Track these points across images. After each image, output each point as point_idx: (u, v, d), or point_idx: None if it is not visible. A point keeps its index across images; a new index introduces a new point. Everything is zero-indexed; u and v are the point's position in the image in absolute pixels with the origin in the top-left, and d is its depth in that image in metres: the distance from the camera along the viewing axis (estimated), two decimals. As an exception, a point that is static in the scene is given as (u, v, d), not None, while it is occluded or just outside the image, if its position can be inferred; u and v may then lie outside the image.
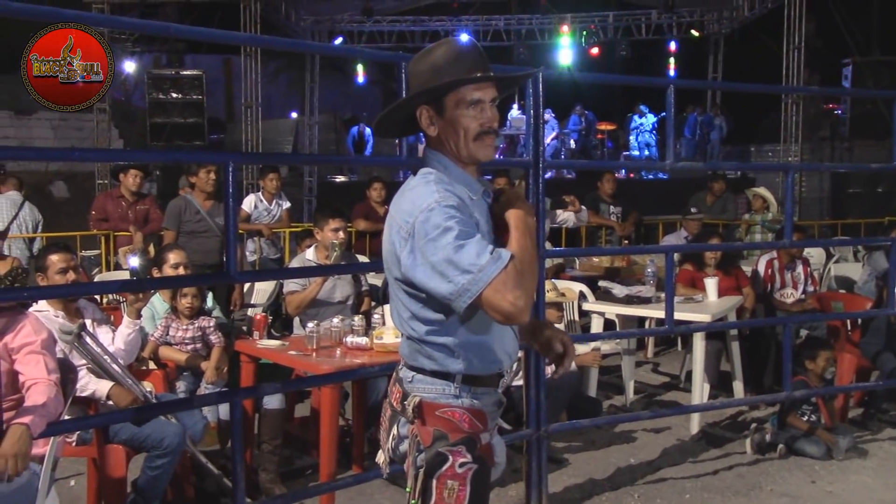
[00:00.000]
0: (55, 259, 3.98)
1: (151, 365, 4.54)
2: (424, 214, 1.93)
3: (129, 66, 17.81)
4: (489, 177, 13.93)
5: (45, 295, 3.77)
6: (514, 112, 16.47)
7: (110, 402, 3.81)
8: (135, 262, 4.46)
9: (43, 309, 3.89)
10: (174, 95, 13.00)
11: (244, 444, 4.27)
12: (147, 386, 4.01)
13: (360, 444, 4.65)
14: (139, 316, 4.13)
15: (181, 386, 4.52)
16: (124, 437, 3.79)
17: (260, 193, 7.80)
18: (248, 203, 7.61)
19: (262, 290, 6.61)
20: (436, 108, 2.09)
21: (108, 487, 3.81)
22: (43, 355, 3.13)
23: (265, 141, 14.81)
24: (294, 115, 21.65)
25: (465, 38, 2.16)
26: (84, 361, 3.75)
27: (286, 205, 7.89)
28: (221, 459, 4.46)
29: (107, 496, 3.83)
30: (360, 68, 18.15)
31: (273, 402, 4.36)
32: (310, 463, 4.75)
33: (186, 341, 4.64)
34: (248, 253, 7.71)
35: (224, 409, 4.49)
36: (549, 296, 5.01)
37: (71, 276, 4.00)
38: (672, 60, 17.33)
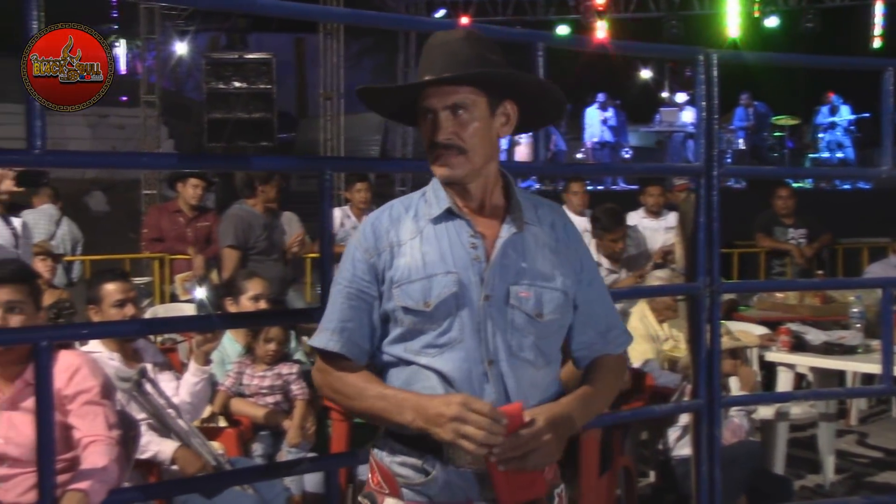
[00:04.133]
0: (111, 289, 4.15)
1: (222, 421, 4.66)
2: None
3: (181, 49, 18.38)
4: (634, 187, 13.82)
5: (104, 333, 3.93)
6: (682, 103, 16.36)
7: (175, 468, 3.93)
8: (201, 293, 4.61)
9: (95, 350, 4.05)
10: (237, 85, 13.40)
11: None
12: (217, 448, 4.13)
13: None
14: (208, 361, 4.26)
15: (258, 449, 4.61)
16: (192, 511, 3.91)
17: (347, 208, 7.95)
18: (335, 220, 7.76)
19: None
20: None
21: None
22: (102, 406, 3.28)
23: (348, 140, 15.04)
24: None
25: (461, 26, 2.35)
26: (144, 415, 3.89)
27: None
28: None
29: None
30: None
31: (371, 471, 4.40)
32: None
33: (264, 391, 4.73)
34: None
35: (311, 480, 4.57)
36: (723, 342, 4.95)
37: (129, 309, 4.16)
38: (878, 32, 16.86)
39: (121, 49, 21.68)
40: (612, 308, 2.49)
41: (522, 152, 16.77)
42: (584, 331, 2.40)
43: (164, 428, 3.92)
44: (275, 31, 19.81)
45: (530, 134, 15.12)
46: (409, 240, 2.28)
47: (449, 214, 2.29)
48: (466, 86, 2.22)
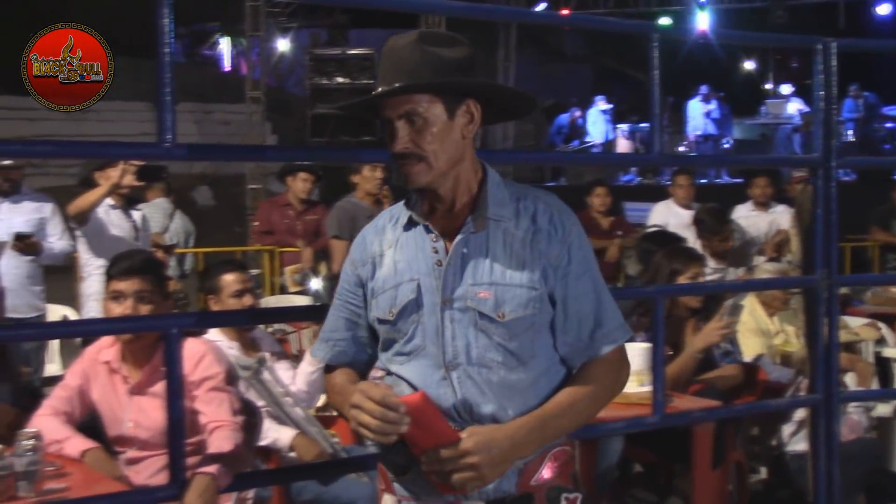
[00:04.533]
0: (230, 279, 4.27)
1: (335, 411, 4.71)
2: None
3: (283, 45, 18.69)
4: (738, 180, 13.59)
5: (230, 321, 4.04)
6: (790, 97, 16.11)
7: (293, 454, 4.02)
8: (317, 283, 4.69)
9: (214, 339, 4.16)
10: (339, 80, 13.49)
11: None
12: (333, 436, 4.20)
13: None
14: (323, 351, 4.33)
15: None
16: (308, 498, 3.99)
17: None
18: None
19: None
20: None
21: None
22: (227, 393, 3.38)
23: (448, 135, 15.08)
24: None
25: (410, 34, 2.21)
26: (262, 403, 3.99)
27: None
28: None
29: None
30: (565, 41, 18.35)
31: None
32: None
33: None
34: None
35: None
36: (840, 336, 4.87)
37: (248, 299, 4.28)
38: None
39: (224, 46, 22.15)
40: (606, 304, 2.28)
41: (623, 146, 16.71)
42: (567, 329, 2.24)
43: (281, 416, 4.01)
44: (374, 26, 20.00)
45: (628, 130, 14.98)
46: (388, 249, 2.28)
47: (414, 221, 2.27)
48: (418, 93, 2.15)
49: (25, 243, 5.47)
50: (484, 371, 2.17)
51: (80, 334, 3.53)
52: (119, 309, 3.40)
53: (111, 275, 3.48)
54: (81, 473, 3.20)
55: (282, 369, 4.33)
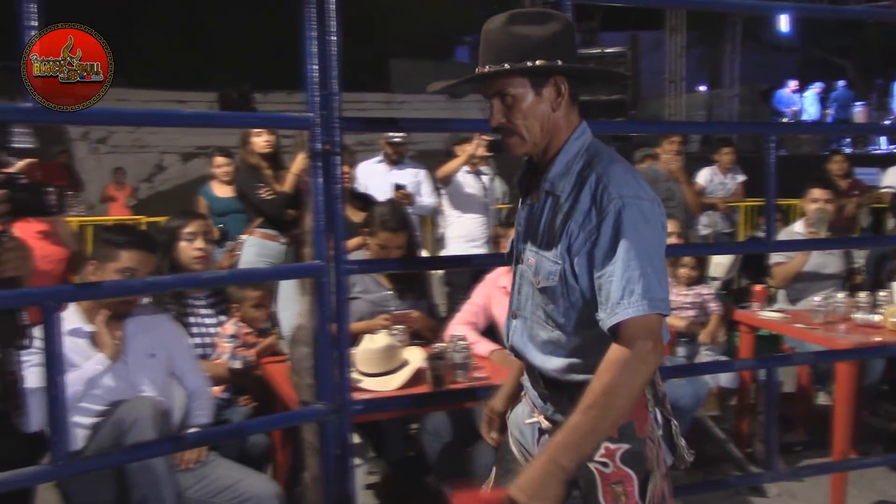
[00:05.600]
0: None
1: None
2: None
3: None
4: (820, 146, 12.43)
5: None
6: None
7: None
8: None
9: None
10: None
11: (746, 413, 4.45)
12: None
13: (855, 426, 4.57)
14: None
15: (681, 351, 4.73)
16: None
17: (715, 167, 7.88)
18: (704, 176, 7.71)
19: (719, 264, 6.70)
20: None
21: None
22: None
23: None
24: (701, 88, 21.40)
25: (503, 15, 1.91)
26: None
27: (740, 178, 7.84)
28: (721, 424, 4.69)
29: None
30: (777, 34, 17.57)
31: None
32: (794, 440, 4.80)
33: (686, 307, 4.82)
34: (701, 226, 7.75)
35: (724, 377, 4.67)
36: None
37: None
38: None
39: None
40: (633, 281, 1.79)
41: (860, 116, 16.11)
42: (599, 302, 1.84)
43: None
44: (621, 29, 19.73)
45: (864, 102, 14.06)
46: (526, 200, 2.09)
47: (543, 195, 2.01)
48: (501, 77, 1.89)
49: (402, 193, 5.78)
50: (531, 325, 2.02)
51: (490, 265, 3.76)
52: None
53: (508, 224, 3.68)
54: (491, 367, 3.43)
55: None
